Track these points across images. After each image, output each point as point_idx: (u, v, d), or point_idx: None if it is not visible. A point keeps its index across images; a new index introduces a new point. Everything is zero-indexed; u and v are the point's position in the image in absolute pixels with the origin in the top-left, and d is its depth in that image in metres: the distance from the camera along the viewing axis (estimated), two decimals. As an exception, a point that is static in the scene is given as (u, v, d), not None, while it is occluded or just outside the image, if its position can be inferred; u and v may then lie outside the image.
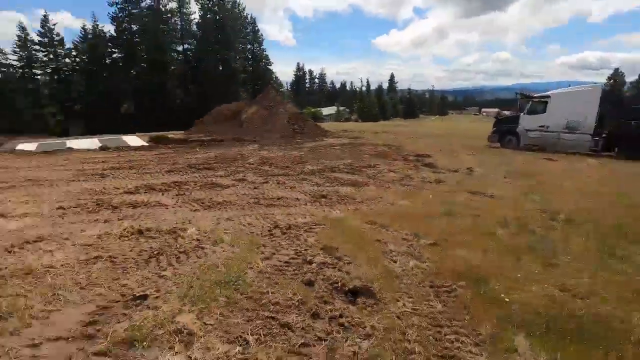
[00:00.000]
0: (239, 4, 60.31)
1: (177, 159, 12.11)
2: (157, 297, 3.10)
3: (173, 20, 59.11)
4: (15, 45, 54.47)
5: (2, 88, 52.92)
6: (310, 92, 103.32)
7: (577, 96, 16.03)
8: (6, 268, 3.51)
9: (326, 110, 75.30)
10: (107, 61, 55.24)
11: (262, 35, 66.34)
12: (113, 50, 57.01)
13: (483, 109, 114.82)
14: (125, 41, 54.93)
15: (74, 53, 57.94)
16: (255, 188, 7.76)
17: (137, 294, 3.12)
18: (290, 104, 28.44)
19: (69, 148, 14.47)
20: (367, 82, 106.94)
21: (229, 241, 4.40)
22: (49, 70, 57.94)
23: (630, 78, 76.43)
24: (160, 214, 5.70)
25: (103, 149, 14.25)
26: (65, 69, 57.80)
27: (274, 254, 4.17)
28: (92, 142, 20.93)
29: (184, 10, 60.10)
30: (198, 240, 4.44)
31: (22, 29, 54.59)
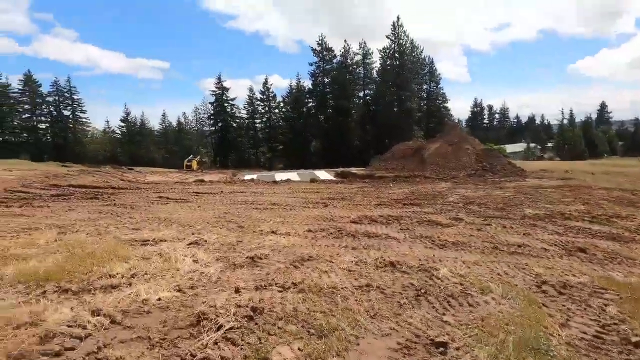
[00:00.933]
0: (417, 47, 62.14)
1: (377, 193, 12.49)
2: (457, 348, 2.75)
3: (357, 70, 65.49)
4: (245, 103, 70.74)
5: (235, 135, 69.06)
6: (488, 128, 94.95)
7: None
8: (302, 282, 3.87)
9: (510, 148, 67.03)
10: (304, 109, 65.07)
11: (439, 74, 65.88)
12: (309, 100, 67.01)
13: None
14: (318, 92, 63.79)
15: (281, 105, 71.06)
16: (479, 230, 6.98)
17: (435, 339, 2.84)
18: (476, 140, 26.40)
19: (287, 179, 17.00)
20: (570, 112, 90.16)
21: (500, 292, 3.79)
22: (264, 120, 72.36)
23: None
24: (397, 247, 5.63)
25: (313, 181, 16.11)
26: (274, 118, 71.23)
27: (568, 320, 3.31)
28: (294, 175, 24.37)
29: (367, 60, 65.87)
30: (461, 284, 4.00)
31: (250, 90, 70.52)
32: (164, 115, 77.39)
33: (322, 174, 25.36)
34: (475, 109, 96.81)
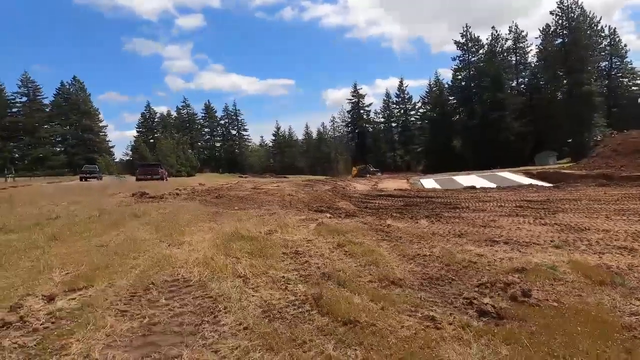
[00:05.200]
0: (592, 18, 48.84)
1: None
2: None
3: (509, 57, 55.77)
4: (381, 108, 68.56)
5: (372, 139, 67.34)
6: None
7: None
8: None
9: None
10: (447, 108, 58.70)
11: (625, 46, 50.44)
12: (449, 97, 60.28)
13: None
14: (464, 88, 56.57)
15: (417, 106, 66.13)
16: None
17: None
18: None
19: (473, 186, 12.94)
20: None
21: None
22: (400, 122, 68.64)
23: None
24: None
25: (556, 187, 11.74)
26: (412, 119, 66.80)
27: None
28: (474, 179, 19.92)
29: (519, 44, 55.47)
30: None
31: (387, 95, 67.93)
32: (306, 126, 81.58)
33: (512, 176, 20.25)
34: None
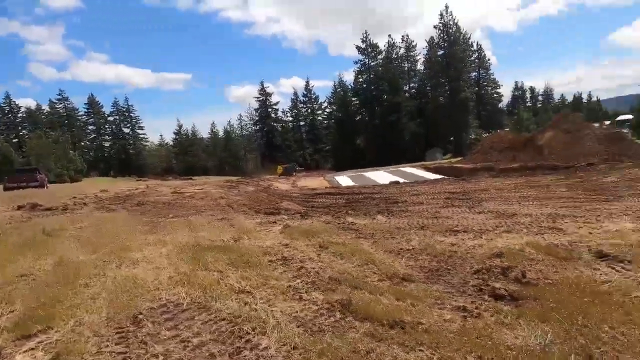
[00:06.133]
0: (464, 34, 57.83)
1: (584, 184, 9.75)
2: None
3: (402, 64, 62.17)
4: (289, 107, 69.42)
5: (281, 138, 67.70)
6: (534, 111, 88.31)
7: None
8: None
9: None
10: (351, 108, 62.49)
11: (489, 60, 61.17)
12: (353, 99, 64.36)
13: None
14: (365, 90, 60.99)
15: (324, 105, 68.92)
16: None
17: None
18: (596, 124, 22.81)
19: (396, 182, 14.34)
20: None
21: None
22: (308, 121, 70.50)
23: None
24: None
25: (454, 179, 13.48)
26: (319, 119, 69.21)
27: None
28: (382, 174, 21.87)
29: (411, 53, 62.34)
30: None
31: (295, 94, 69.01)
32: (213, 124, 77.35)
33: (416, 171, 22.80)
34: (516, 92, 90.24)
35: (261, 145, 70.21)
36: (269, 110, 70.45)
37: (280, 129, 70.65)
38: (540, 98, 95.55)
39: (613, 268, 3.37)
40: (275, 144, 68.38)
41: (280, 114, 70.87)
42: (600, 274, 3.23)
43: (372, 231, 5.44)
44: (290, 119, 70.50)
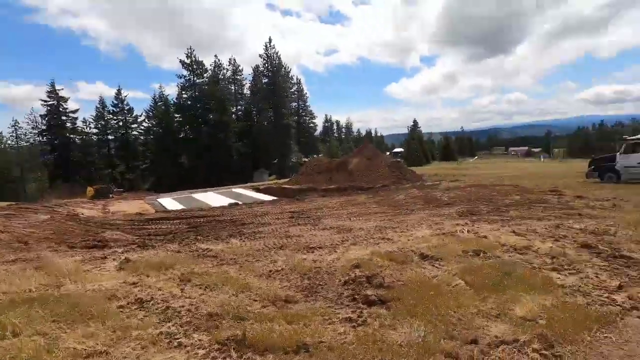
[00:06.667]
0: (285, 67, 63.98)
1: (386, 201, 12.20)
2: None
3: (229, 86, 63.00)
4: (93, 117, 58.24)
5: (82, 153, 55.78)
6: (340, 140, 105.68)
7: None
8: None
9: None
10: (175, 124, 58.08)
11: (306, 93, 69.64)
12: (176, 115, 60.22)
13: (511, 148, 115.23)
14: (187, 107, 58.12)
15: (141, 119, 61.38)
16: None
17: None
18: (384, 154, 29.07)
19: (235, 203, 14.57)
20: (415, 123, 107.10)
21: None
22: (119, 135, 60.96)
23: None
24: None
25: (299, 199, 14.44)
26: (135, 133, 60.89)
27: None
28: (213, 195, 21.44)
29: (237, 77, 64.16)
30: None
31: (102, 102, 58.55)
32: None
33: (248, 192, 23.27)
34: (326, 124, 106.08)
35: (50, 161, 55.40)
36: (64, 118, 56.81)
37: (79, 141, 57.88)
38: (343, 130, 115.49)
39: (434, 265, 4.41)
40: (72, 159, 55.29)
41: (80, 124, 58.24)
42: (428, 271, 4.17)
43: (232, 256, 5.19)
44: (96, 131, 59.00)
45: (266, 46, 58.10)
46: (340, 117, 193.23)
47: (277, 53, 58.54)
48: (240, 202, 14.43)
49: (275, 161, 59.96)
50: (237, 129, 57.84)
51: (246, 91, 64.24)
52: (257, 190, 24.45)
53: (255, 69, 59.73)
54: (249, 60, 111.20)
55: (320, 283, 3.96)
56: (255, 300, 3.45)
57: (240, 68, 61.74)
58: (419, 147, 74.34)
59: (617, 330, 2.67)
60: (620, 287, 3.49)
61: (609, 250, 4.82)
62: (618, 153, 18.46)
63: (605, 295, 3.35)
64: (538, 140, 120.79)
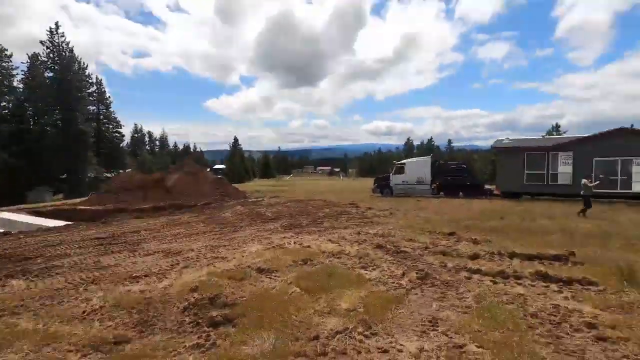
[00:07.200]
0: (79, 62, 53.00)
1: (213, 219, 11.92)
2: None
3: (-15, 72, 47.02)
4: None
5: None
6: (153, 154, 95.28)
7: (420, 163, 24.06)
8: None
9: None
10: None
11: (109, 97, 59.56)
12: None
13: (318, 167, 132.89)
14: None
15: None
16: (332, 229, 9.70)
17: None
18: (207, 171, 28.00)
19: (4, 233, 11.37)
20: (235, 140, 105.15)
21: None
22: None
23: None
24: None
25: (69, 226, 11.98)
26: None
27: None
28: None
29: (3, 63, 48.87)
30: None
31: None
32: None
33: (23, 218, 17.89)
34: (136, 135, 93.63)
35: None
36: None
37: None
38: (157, 143, 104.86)
39: (271, 277, 4.74)
40: None
41: None
42: (266, 283, 4.46)
43: (18, 302, 3.98)
44: None
45: (51, 31, 46.76)
46: (154, 128, 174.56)
47: (67, 43, 47.96)
48: (13, 231, 10.84)
49: (64, 176, 48.22)
50: (1, 133, 43.49)
51: (17, 84, 49.36)
52: (39, 214, 18.99)
53: (34, 57, 47.02)
54: (21, 44, 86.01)
55: (155, 315, 3.58)
56: (70, 351, 2.81)
57: (7, 52, 47.02)
58: (241, 164, 75.90)
59: (406, 305, 3.66)
60: (403, 274, 4.76)
61: (393, 248, 6.42)
62: (391, 174, 24.63)
63: (396, 282, 4.49)
64: (338, 161, 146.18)
